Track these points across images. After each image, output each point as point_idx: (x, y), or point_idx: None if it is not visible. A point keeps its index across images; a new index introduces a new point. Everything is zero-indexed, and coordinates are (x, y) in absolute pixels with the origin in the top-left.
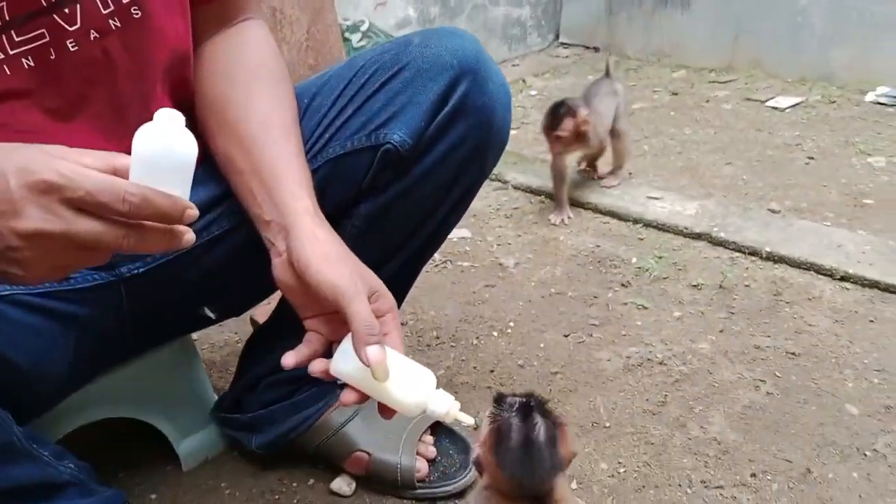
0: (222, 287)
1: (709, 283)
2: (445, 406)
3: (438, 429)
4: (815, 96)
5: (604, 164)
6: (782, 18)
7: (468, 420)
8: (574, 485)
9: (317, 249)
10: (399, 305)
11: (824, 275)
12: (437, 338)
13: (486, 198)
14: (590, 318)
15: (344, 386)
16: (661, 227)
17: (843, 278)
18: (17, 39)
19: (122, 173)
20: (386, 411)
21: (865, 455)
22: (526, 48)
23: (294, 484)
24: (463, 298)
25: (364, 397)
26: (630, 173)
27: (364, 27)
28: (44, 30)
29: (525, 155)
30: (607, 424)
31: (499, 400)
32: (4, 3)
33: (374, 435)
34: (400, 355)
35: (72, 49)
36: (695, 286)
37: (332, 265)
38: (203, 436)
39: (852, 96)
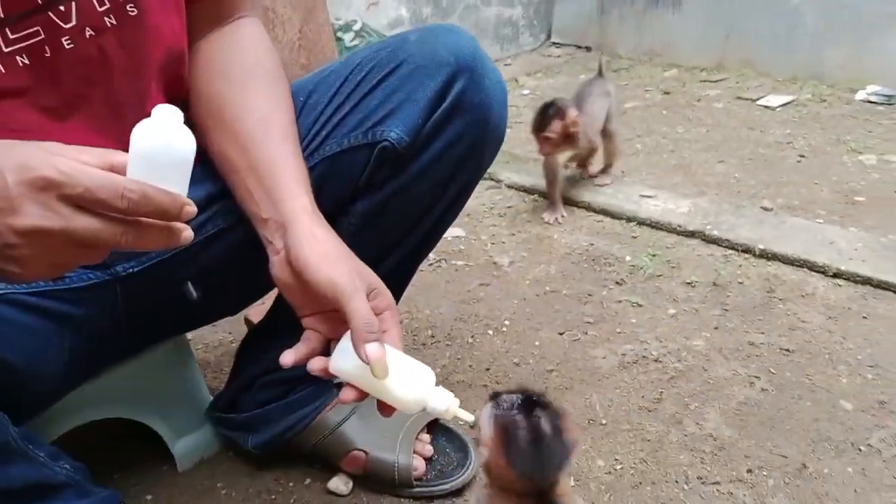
0: (218, 286)
1: (702, 280)
2: (445, 403)
3: (435, 427)
4: (805, 95)
5: (595, 163)
6: (773, 18)
7: (468, 417)
8: (571, 482)
9: (315, 247)
10: (396, 303)
11: (817, 272)
12: (433, 336)
13: (479, 197)
14: (585, 315)
15: (341, 385)
16: (655, 225)
17: (835, 275)
18: (11, 37)
19: (119, 170)
20: (385, 409)
21: (860, 450)
22: (518, 48)
23: (290, 484)
24: (458, 297)
25: (363, 395)
26: (623, 172)
27: (356, 27)
28: (39, 27)
29: (518, 154)
30: (603, 422)
31: (494, 399)
32: None
33: (370, 434)
34: (399, 352)
35: (67, 47)
36: (689, 284)
37: (330, 263)
38: (198, 436)
39: (843, 95)
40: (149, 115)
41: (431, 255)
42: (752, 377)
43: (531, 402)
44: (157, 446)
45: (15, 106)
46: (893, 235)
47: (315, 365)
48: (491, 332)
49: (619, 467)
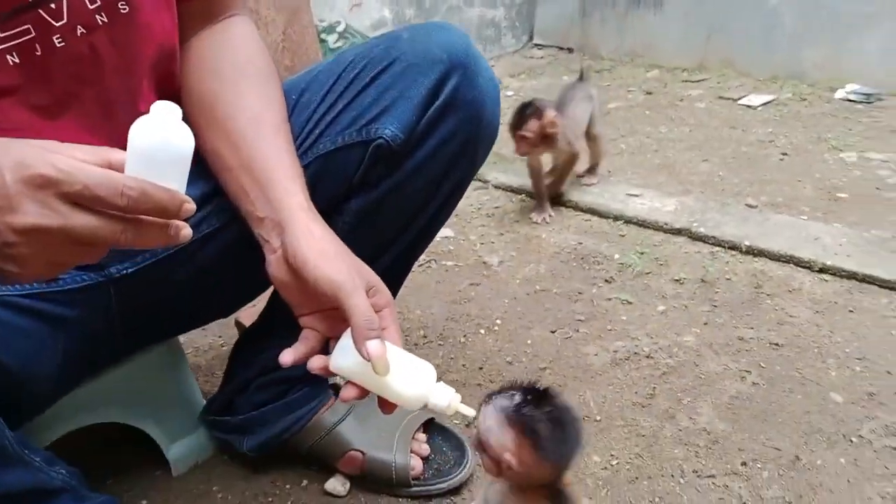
0: (213, 286)
1: (691, 277)
2: (446, 399)
3: (431, 426)
4: (786, 94)
5: (580, 164)
6: (753, 18)
7: (469, 412)
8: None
9: (313, 245)
10: None
11: (803, 267)
12: (425, 336)
13: (467, 197)
14: (575, 313)
15: (337, 387)
16: (642, 224)
17: (821, 270)
18: (1, 35)
19: (117, 167)
20: (387, 406)
21: (851, 441)
22: (500, 49)
23: (287, 486)
24: (449, 297)
25: (364, 393)
26: (609, 171)
27: (340, 28)
28: (29, 25)
29: (505, 154)
30: (598, 418)
31: (493, 402)
32: None
33: (367, 434)
34: (399, 349)
35: (58, 45)
36: (677, 280)
37: (329, 260)
38: (192, 440)
39: (823, 94)
40: (140, 113)
41: (421, 256)
42: (742, 371)
43: (541, 394)
44: (151, 451)
45: (5, 105)
46: (877, 231)
47: (315, 363)
48: (483, 331)
49: (615, 463)
